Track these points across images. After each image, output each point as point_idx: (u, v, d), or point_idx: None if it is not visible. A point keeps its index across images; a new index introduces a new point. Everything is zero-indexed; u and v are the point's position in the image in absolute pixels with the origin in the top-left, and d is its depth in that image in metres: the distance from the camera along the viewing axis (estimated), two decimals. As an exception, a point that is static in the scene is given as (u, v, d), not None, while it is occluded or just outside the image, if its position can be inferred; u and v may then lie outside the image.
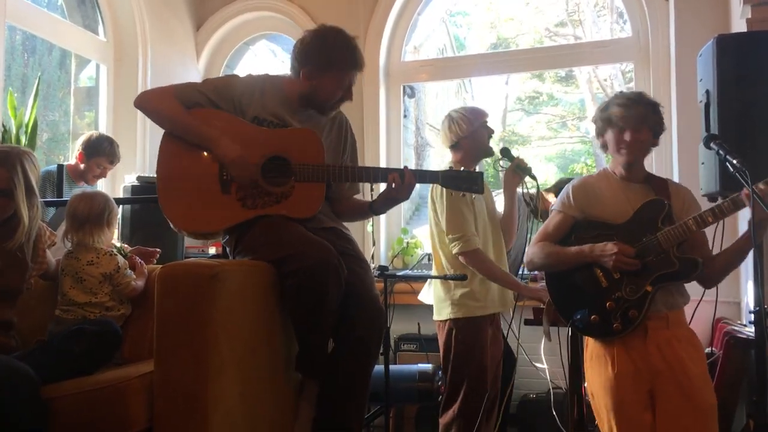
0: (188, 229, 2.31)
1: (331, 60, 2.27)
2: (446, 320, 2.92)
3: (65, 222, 2.42)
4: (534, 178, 2.97)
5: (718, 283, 2.25)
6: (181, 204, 2.25)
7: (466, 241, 2.83)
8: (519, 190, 3.10)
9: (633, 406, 2.12)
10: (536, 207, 3.06)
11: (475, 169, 2.96)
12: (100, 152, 3.66)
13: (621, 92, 2.36)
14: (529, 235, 3.17)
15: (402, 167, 2.32)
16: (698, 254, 2.20)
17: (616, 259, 2.12)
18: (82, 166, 3.65)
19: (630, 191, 2.25)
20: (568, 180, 3.60)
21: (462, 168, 2.86)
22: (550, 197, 3.51)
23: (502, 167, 3.04)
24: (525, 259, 2.38)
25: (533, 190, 3.00)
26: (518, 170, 2.93)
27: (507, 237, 3.07)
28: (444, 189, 2.85)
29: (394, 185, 2.24)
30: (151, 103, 2.31)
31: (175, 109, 2.25)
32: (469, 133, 2.92)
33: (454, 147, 2.99)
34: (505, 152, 2.99)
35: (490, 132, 2.98)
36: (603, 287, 2.19)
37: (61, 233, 2.43)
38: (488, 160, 3.18)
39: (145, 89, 4.24)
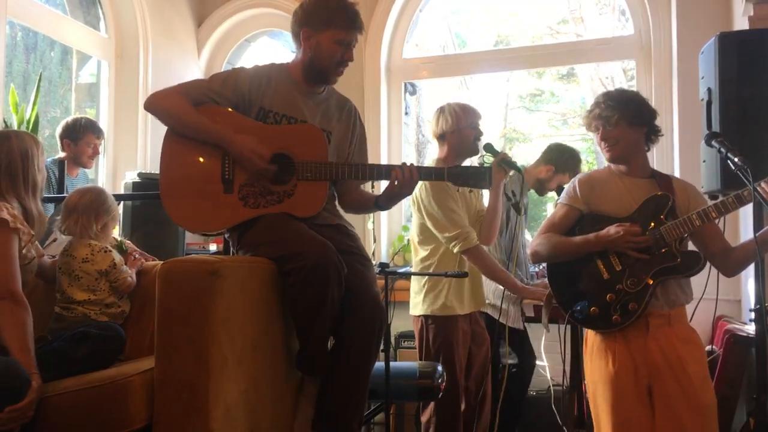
0: (191, 228, 2.33)
1: (328, 17, 2.28)
2: (419, 316, 2.95)
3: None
4: (519, 171, 2.97)
5: (738, 273, 2.28)
6: (183, 204, 2.26)
7: (465, 239, 2.83)
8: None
9: (632, 401, 2.12)
10: (518, 203, 3.06)
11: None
12: (84, 131, 3.66)
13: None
14: (515, 232, 3.17)
15: (402, 163, 2.31)
16: (714, 246, 2.22)
17: (623, 238, 2.12)
18: (72, 154, 3.65)
19: (634, 187, 2.25)
20: (557, 145, 3.61)
21: (444, 164, 2.87)
22: (541, 170, 3.50)
23: (486, 163, 3.03)
24: (529, 251, 2.38)
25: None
26: (503, 164, 2.90)
27: (488, 231, 2.99)
28: (430, 189, 2.87)
29: (396, 182, 2.24)
30: (160, 105, 2.30)
31: (184, 108, 2.25)
32: (456, 129, 2.92)
33: (440, 139, 2.99)
34: (489, 147, 2.97)
35: (479, 134, 2.97)
36: (604, 279, 2.20)
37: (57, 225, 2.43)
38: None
39: (146, 85, 4.30)
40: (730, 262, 2.22)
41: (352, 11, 2.31)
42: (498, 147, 2.97)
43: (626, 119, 2.20)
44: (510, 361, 3.19)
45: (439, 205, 2.85)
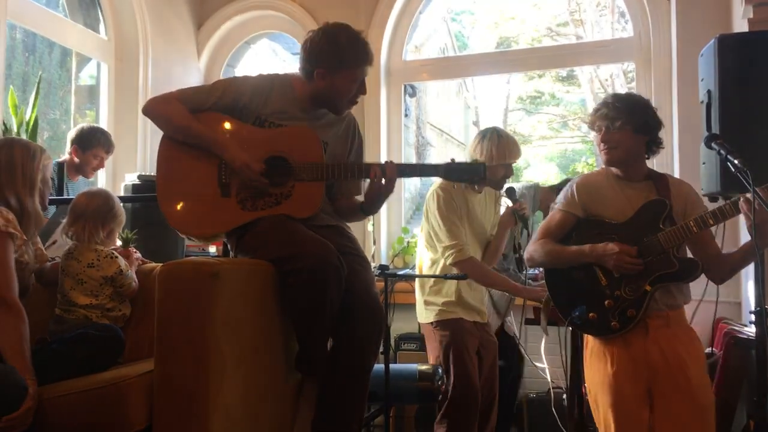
0: (189, 232, 2.32)
1: (342, 59, 2.27)
2: (428, 323, 2.97)
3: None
4: (527, 228, 3.04)
5: (727, 280, 2.26)
6: (181, 208, 2.26)
7: (459, 251, 2.85)
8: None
9: (631, 403, 2.12)
10: (522, 257, 3.10)
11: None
12: (95, 143, 3.63)
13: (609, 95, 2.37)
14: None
15: (387, 161, 2.30)
16: (706, 252, 2.21)
17: (617, 259, 2.12)
18: (77, 160, 3.64)
19: (631, 190, 2.25)
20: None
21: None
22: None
23: (504, 203, 3.10)
24: (525, 256, 2.39)
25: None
26: (515, 214, 3.00)
27: (490, 258, 3.09)
28: (436, 201, 2.90)
29: (376, 180, 2.24)
30: (157, 110, 2.30)
31: (181, 115, 2.25)
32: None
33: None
34: (510, 192, 3.04)
35: (509, 172, 3.01)
36: (602, 285, 2.19)
37: (60, 228, 2.42)
38: None
39: (146, 87, 4.30)
40: (719, 267, 2.21)
41: (362, 46, 2.29)
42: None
43: (630, 125, 2.19)
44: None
45: (442, 215, 2.88)
